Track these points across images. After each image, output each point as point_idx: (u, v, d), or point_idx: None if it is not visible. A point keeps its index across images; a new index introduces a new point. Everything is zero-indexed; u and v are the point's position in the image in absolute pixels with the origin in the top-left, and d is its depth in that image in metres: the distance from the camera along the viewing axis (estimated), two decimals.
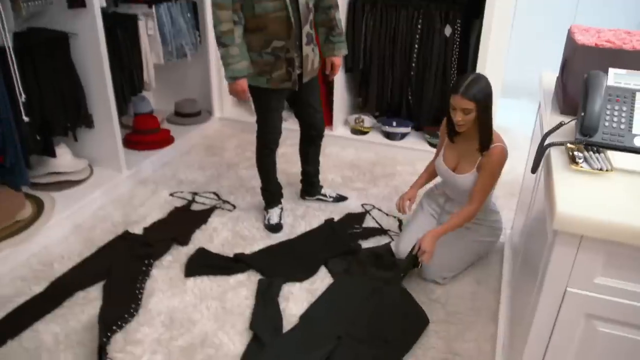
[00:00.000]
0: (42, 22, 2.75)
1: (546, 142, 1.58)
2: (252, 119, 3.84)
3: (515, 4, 3.57)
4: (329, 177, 3.25)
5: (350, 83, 3.70)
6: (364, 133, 3.62)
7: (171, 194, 3.08)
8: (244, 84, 2.37)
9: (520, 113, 4.37)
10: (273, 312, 2.23)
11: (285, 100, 2.60)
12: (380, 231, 2.76)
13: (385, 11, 3.34)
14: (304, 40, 2.42)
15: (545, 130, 1.67)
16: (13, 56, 2.34)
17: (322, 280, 2.43)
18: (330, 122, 3.65)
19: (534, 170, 1.63)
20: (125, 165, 3.09)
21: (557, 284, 1.34)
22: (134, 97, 3.50)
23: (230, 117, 3.96)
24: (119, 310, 2.19)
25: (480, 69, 3.21)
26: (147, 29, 3.19)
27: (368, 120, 3.63)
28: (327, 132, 3.46)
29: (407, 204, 2.48)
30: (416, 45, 3.33)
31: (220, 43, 2.30)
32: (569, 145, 1.55)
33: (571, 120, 1.67)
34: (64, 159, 2.88)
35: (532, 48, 4.60)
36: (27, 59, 2.54)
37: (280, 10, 2.29)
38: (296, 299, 2.31)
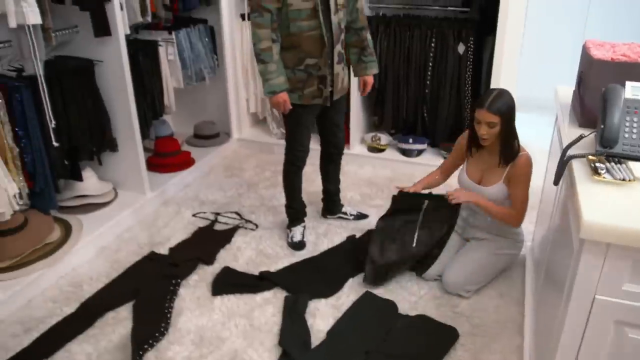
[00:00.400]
0: (69, 50, 2.86)
1: (567, 155, 1.62)
2: (270, 139, 4.00)
3: (526, 20, 3.63)
4: (348, 194, 3.30)
5: (366, 102, 3.77)
6: (381, 150, 3.68)
7: (194, 215, 3.14)
8: (284, 95, 2.46)
9: (534, 127, 4.39)
10: (301, 328, 2.26)
11: (314, 119, 2.68)
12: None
13: (399, 31, 3.42)
14: (336, 59, 2.52)
15: (565, 143, 1.71)
16: (44, 84, 2.44)
17: (347, 295, 2.46)
18: (347, 140, 3.70)
19: (556, 182, 1.67)
20: (149, 187, 3.17)
21: (585, 292, 1.37)
22: (155, 121, 3.59)
23: (248, 138, 4.04)
24: (150, 329, 2.24)
25: (494, 84, 3.27)
26: (168, 55, 3.29)
27: (384, 138, 3.69)
28: (344, 150, 3.54)
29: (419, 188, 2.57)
30: (430, 64, 3.40)
31: (260, 60, 2.41)
32: (590, 157, 1.59)
33: (591, 133, 1.71)
34: (90, 182, 2.96)
35: (541, 63, 4.65)
36: (55, 86, 2.63)
37: (314, 29, 2.40)
38: (323, 315, 2.34)
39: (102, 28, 2.67)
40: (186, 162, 3.53)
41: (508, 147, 2.31)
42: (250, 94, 3.91)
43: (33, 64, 2.39)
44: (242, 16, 3.71)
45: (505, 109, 2.23)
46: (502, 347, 2.16)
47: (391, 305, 2.38)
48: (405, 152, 3.62)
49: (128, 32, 2.80)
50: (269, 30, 2.37)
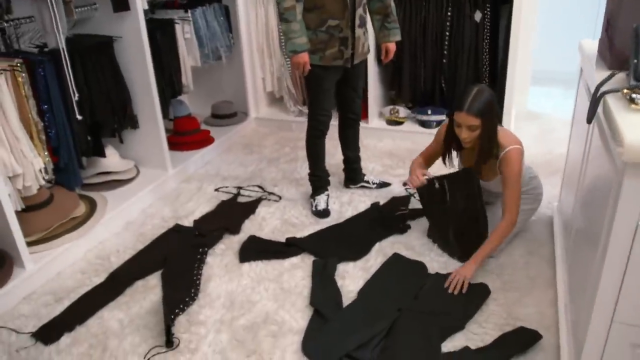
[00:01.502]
0: (88, 28, 2.87)
1: (600, 91, 1.60)
2: (287, 117, 3.98)
3: None
4: (369, 166, 3.29)
5: (382, 75, 3.75)
6: (400, 123, 3.66)
7: (216, 189, 3.14)
8: (305, 56, 2.46)
9: (552, 99, 4.37)
10: (331, 289, 2.26)
11: (336, 82, 2.67)
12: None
13: (415, 1, 3.40)
14: (357, 22, 2.52)
15: (593, 86, 1.69)
16: (67, 57, 2.45)
17: (375, 258, 2.45)
18: (365, 115, 3.70)
19: (589, 119, 1.65)
20: (170, 164, 3.18)
21: (629, 218, 1.34)
22: (172, 101, 3.60)
23: (266, 116, 4.05)
24: (180, 294, 2.24)
25: (512, 53, 3.24)
26: (184, 33, 3.30)
27: (403, 111, 3.67)
28: (363, 124, 3.52)
29: (421, 175, 2.43)
30: (447, 33, 3.38)
31: (283, 19, 2.41)
32: (625, 90, 1.57)
33: (621, 72, 1.69)
34: (113, 159, 2.98)
35: (557, 37, 4.60)
36: (76, 62, 2.64)
37: None
38: (352, 277, 2.33)
39: (121, 3, 2.68)
40: (206, 140, 3.54)
41: (488, 148, 2.21)
42: (267, 73, 3.91)
43: (55, 38, 2.40)
44: None
45: (486, 108, 2.12)
46: (536, 300, 2.14)
47: (420, 266, 2.37)
48: (424, 124, 3.60)
49: (146, 7, 2.81)
50: None
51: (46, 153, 2.54)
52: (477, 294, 2.17)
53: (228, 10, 3.66)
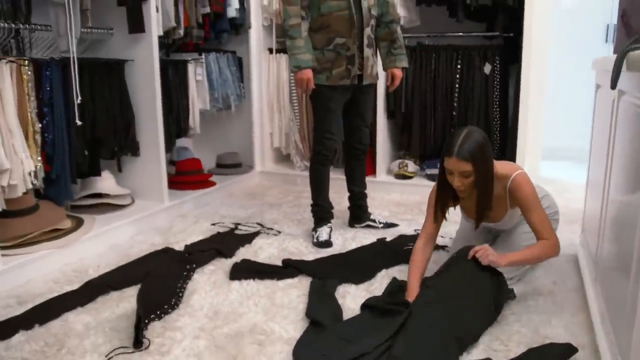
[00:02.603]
0: (102, 52, 2.91)
1: (624, 50, 1.51)
2: (294, 172, 3.89)
3: (550, 49, 3.68)
4: (376, 211, 3.10)
5: (391, 131, 3.72)
6: (409, 177, 3.54)
7: (213, 224, 2.95)
8: (308, 73, 2.43)
9: (564, 170, 4.26)
10: (331, 303, 1.98)
11: (342, 105, 2.61)
12: (437, 247, 2.55)
13: (425, 54, 3.47)
14: (365, 41, 2.52)
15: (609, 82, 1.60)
16: (76, 60, 2.44)
17: (380, 282, 2.19)
18: (373, 170, 3.61)
19: (614, 83, 1.54)
20: (167, 198, 3.03)
21: None
22: (177, 147, 3.55)
23: (272, 170, 3.96)
24: (159, 301, 1.98)
25: (522, 105, 3.22)
26: (196, 75, 3.34)
27: (412, 165, 3.57)
28: (371, 178, 3.44)
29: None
30: (457, 85, 3.40)
31: (288, 35, 2.42)
32: None
33: None
34: (108, 182, 2.85)
35: (564, 111, 4.64)
36: (85, 75, 2.64)
37: (343, 9, 2.45)
38: (354, 297, 2.06)
39: (137, 25, 2.74)
40: (207, 182, 3.42)
41: (487, 194, 1.95)
42: (275, 128, 3.90)
43: (67, 41, 2.42)
44: (270, 50, 3.83)
45: (478, 150, 1.87)
46: (565, 322, 1.85)
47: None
48: (434, 178, 3.47)
49: (161, 33, 2.87)
50: (299, 7, 2.42)
51: (39, 158, 2.44)
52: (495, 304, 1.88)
53: (241, 62, 3.75)
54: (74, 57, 2.42)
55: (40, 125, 2.43)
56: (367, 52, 2.54)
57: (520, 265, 2.02)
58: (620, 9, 1.94)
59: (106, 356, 1.67)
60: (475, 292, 1.85)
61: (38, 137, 2.42)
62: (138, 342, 1.73)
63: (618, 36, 1.96)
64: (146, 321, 1.84)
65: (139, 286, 2.15)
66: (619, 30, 1.95)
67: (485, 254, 1.87)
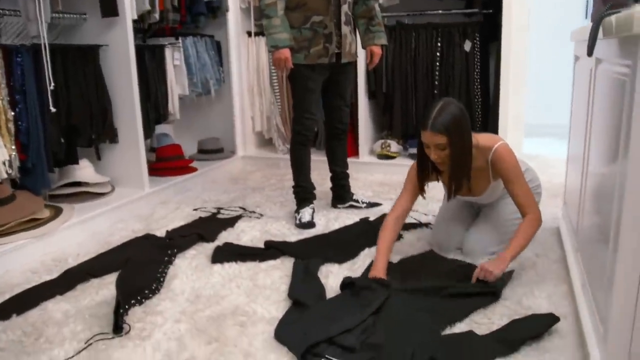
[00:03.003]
0: (75, 38, 2.85)
1: (601, 15, 1.50)
2: (276, 155, 3.86)
3: (529, 26, 3.67)
4: (359, 192, 3.09)
5: (373, 111, 3.70)
6: (392, 158, 3.53)
7: (195, 209, 2.92)
8: (286, 52, 2.39)
9: (546, 146, 4.28)
10: (314, 283, 1.97)
11: (322, 83, 2.58)
12: (421, 225, 2.55)
13: (405, 33, 3.44)
14: (343, 18, 2.49)
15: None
16: (47, 45, 2.38)
17: (363, 261, 2.18)
18: (356, 151, 3.59)
19: (590, 50, 1.53)
20: (148, 185, 2.99)
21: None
22: (157, 134, 3.50)
23: (254, 155, 3.92)
24: (139, 286, 1.95)
25: (503, 82, 3.22)
26: (174, 60, 3.28)
27: (394, 145, 3.56)
28: (353, 159, 3.42)
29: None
30: (437, 63, 3.38)
31: (264, 15, 2.38)
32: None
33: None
34: (87, 171, 2.80)
35: (548, 91, 4.64)
36: (57, 61, 2.58)
37: None
38: (337, 276, 2.04)
39: (110, 8, 2.67)
40: (188, 168, 3.38)
41: (460, 168, 1.94)
42: (256, 112, 3.86)
43: (37, 26, 2.35)
44: (249, 33, 3.77)
45: (453, 123, 1.86)
46: (547, 293, 1.86)
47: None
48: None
49: (135, 17, 2.80)
50: None
51: (13, 147, 2.38)
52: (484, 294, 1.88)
53: (220, 46, 3.70)
54: (44, 43, 2.36)
55: (13, 114, 2.37)
56: (345, 29, 2.51)
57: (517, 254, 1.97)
58: None
59: (85, 343, 1.65)
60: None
61: (11, 126, 2.36)
62: (118, 328, 1.70)
63: (595, 5, 1.95)
64: (126, 306, 1.81)
65: (119, 273, 2.12)
66: (595, 5, 1.94)
67: (488, 272, 1.85)
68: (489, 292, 1.83)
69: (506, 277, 1.92)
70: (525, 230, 1.94)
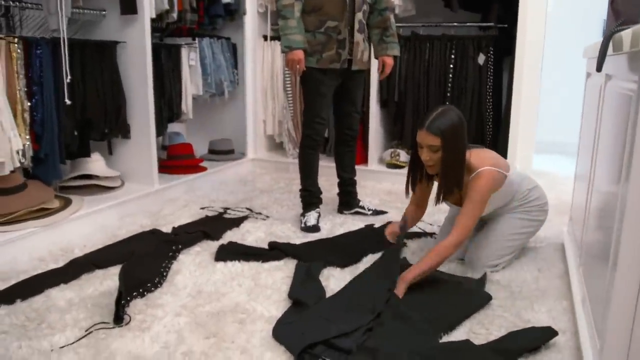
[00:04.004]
0: (94, 34, 2.90)
1: (610, 32, 1.50)
2: (286, 159, 3.88)
3: (544, 42, 3.68)
4: (366, 199, 3.09)
5: (384, 120, 3.71)
6: (400, 167, 3.54)
7: (202, 208, 2.95)
8: (300, 53, 2.42)
9: (556, 163, 4.26)
10: (314, 284, 1.99)
11: (333, 89, 2.60)
12: (425, 234, 2.55)
13: (419, 44, 3.46)
14: (356, 26, 2.51)
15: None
16: (66, 39, 2.43)
17: (365, 266, 2.18)
18: (365, 159, 3.60)
19: (599, 65, 1.53)
20: (157, 181, 3.02)
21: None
22: (169, 132, 3.55)
23: (264, 158, 3.95)
24: (142, 279, 1.98)
25: (515, 95, 3.22)
26: (189, 60, 3.33)
27: (404, 155, 3.56)
28: (362, 167, 3.43)
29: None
30: (450, 75, 3.39)
31: (281, 15, 2.41)
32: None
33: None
34: (98, 164, 2.84)
35: (559, 108, 4.63)
36: (75, 55, 2.63)
37: None
38: (338, 280, 2.06)
39: (129, 6, 2.73)
40: (198, 167, 3.41)
41: (449, 176, 1.98)
42: (268, 115, 3.89)
43: (57, 20, 2.40)
44: (265, 37, 3.82)
45: (449, 129, 1.89)
46: (548, 307, 1.85)
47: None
48: None
49: (154, 15, 2.85)
50: None
51: (27, 137, 2.43)
52: (477, 298, 1.89)
53: (236, 48, 3.74)
54: (64, 37, 2.41)
55: (29, 104, 2.42)
56: (358, 37, 2.53)
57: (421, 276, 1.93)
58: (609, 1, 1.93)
59: (86, 331, 1.67)
60: (449, 285, 1.94)
61: (27, 116, 2.41)
62: (118, 318, 1.73)
63: (608, 22, 1.96)
64: (128, 298, 1.84)
65: (123, 265, 2.15)
66: (609, 16, 1.95)
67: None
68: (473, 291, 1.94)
69: (482, 281, 2.00)
70: (438, 251, 1.92)
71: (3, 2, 2.37)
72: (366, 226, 2.64)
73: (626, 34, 1.30)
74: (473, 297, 1.90)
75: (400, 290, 1.86)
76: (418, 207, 2.33)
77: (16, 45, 2.33)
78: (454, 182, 2.00)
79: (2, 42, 2.28)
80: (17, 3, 2.44)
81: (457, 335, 1.68)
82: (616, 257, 1.28)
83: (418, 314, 1.72)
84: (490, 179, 1.99)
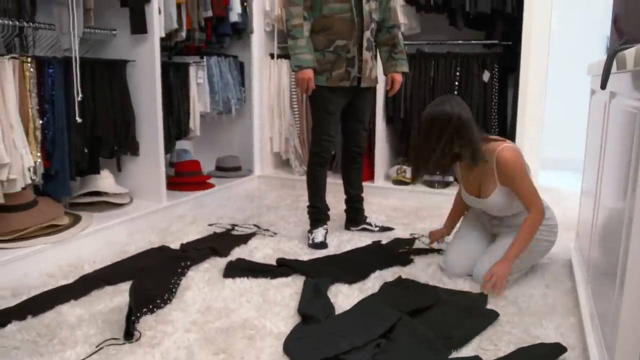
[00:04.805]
0: (105, 53, 2.95)
1: (613, 50, 1.53)
2: (293, 176, 3.91)
3: (548, 59, 3.71)
4: (373, 216, 3.11)
5: (390, 136, 3.74)
6: (406, 183, 3.56)
7: (210, 224, 2.97)
8: (309, 72, 2.46)
9: (561, 179, 4.27)
10: (323, 301, 1.99)
11: (341, 107, 2.64)
12: (432, 250, 2.56)
13: (424, 61, 3.50)
14: (365, 44, 2.55)
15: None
16: (77, 58, 2.48)
17: (373, 283, 2.19)
18: (372, 175, 3.63)
19: (604, 83, 1.56)
20: (165, 198, 3.05)
21: None
22: (177, 149, 3.58)
23: (271, 175, 3.98)
24: (152, 296, 1.99)
25: (520, 113, 3.25)
26: (197, 78, 3.38)
27: (410, 171, 3.58)
28: (369, 184, 3.45)
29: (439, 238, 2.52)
30: (455, 92, 3.42)
31: (290, 35, 2.46)
32: None
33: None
34: (107, 181, 2.87)
35: (564, 125, 4.64)
36: (86, 73, 2.67)
37: (345, 12, 2.48)
38: (346, 296, 2.06)
39: (140, 25, 2.78)
40: (205, 184, 3.44)
41: (419, 153, 2.16)
42: (275, 133, 3.93)
43: (70, 38, 2.46)
44: (272, 55, 3.87)
45: (427, 115, 2.12)
46: (556, 324, 1.85)
47: (430, 288, 2.11)
48: (432, 184, 3.49)
49: (163, 35, 2.90)
50: (302, 8, 2.45)
51: (39, 154, 2.47)
52: (484, 316, 1.89)
53: (243, 66, 3.79)
54: (75, 56, 2.46)
55: (41, 122, 2.46)
56: (367, 55, 2.57)
57: (519, 254, 2.12)
58: (613, 14, 1.96)
59: (97, 347, 1.68)
60: (456, 302, 1.97)
61: (38, 134, 2.45)
62: (129, 334, 1.74)
63: (611, 40, 1.99)
64: (138, 314, 1.85)
65: (133, 281, 2.16)
66: (612, 34, 1.97)
67: (497, 281, 2.03)
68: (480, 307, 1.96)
69: (483, 295, 2.05)
70: (527, 228, 2.10)
71: (18, 23, 2.42)
72: (373, 242, 2.65)
73: (629, 53, 1.32)
74: (481, 313, 1.91)
75: (506, 268, 2.05)
76: (462, 204, 2.46)
77: (29, 64, 2.38)
78: (420, 162, 2.15)
79: (15, 61, 2.32)
80: (31, 24, 2.49)
81: (466, 351, 1.68)
82: (624, 273, 1.29)
83: (428, 331, 1.72)
84: (515, 154, 2.11)
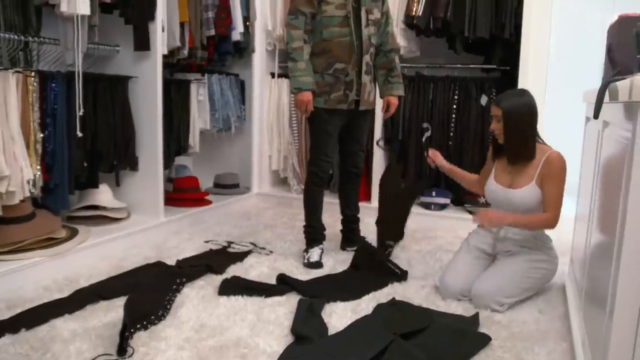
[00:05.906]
0: (108, 68, 3.00)
1: (607, 81, 1.56)
2: (290, 195, 3.92)
3: (546, 84, 3.75)
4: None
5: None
6: None
7: (206, 241, 2.98)
8: (309, 95, 2.50)
9: None
10: (316, 321, 2.00)
11: (339, 128, 2.67)
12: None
13: (423, 84, 3.54)
14: (364, 68, 2.59)
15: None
16: (80, 74, 2.51)
17: (367, 303, 2.20)
18: (369, 196, 3.65)
19: (596, 113, 1.59)
20: (163, 214, 3.07)
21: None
22: (176, 165, 3.61)
23: (268, 192, 4.00)
24: (146, 312, 1.99)
25: None
26: (198, 95, 3.42)
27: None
28: (365, 203, 3.46)
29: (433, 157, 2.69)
30: (453, 116, 3.46)
31: (290, 58, 2.50)
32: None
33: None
34: (105, 195, 2.89)
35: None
36: (89, 88, 2.71)
37: (345, 36, 2.53)
38: (340, 316, 2.07)
39: (143, 43, 2.82)
40: (203, 200, 3.46)
41: (512, 145, 2.23)
42: (274, 151, 3.95)
43: (74, 55, 2.49)
44: (272, 74, 3.92)
45: (514, 106, 2.18)
46: (548, 350, 1.86)
47: (423, 310, 2.12)
48: (428, 206, 3.50)
49: (166, 52, 2.94)
50: (302, 31, 2.49)
51: (38, 167, 2.49)
52: (476, 340, 1.90)
53: (244, 85, 3.83)
54: (79, 71, 2.49)
55: (42, 135, 2.48)
56: (365, 78, 2.61)
57: (515, 226, 2.26)
58: (607, 44, 2.01)
59: None
60: (448, 326, 1.98)
61: (39, 147, 2.47)
62: (122, 350, 1.74)
63: (605, 70, 2.03)
64: (132, 330, 1.85)
65: (127, 296, 2.17)
66: (606, 64, 2.01)
67: (491, 216, 2.19)
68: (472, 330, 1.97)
69: (475, 319, 2.06)
70: (535, 217, 2.22)
71: (23, 38, 2.46)
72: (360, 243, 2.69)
73: (622, 85, 1.35)
74: (473, 337, 1.91)
75: (500, 216, 2.20)
76: (479, 181, 2.55)
77: (32, 78, 2.41)
78: (518, 151, 2.23)
79: (19, 75, 2.36)
80: (37, 38, 2.53)
81: None
82: (613, 301, 1.30)
83: (421, 353, 1.73)
84: (563, 161, 2.22)
